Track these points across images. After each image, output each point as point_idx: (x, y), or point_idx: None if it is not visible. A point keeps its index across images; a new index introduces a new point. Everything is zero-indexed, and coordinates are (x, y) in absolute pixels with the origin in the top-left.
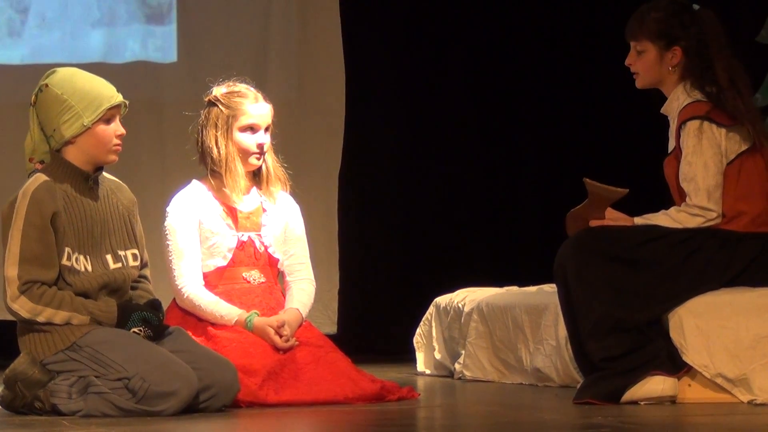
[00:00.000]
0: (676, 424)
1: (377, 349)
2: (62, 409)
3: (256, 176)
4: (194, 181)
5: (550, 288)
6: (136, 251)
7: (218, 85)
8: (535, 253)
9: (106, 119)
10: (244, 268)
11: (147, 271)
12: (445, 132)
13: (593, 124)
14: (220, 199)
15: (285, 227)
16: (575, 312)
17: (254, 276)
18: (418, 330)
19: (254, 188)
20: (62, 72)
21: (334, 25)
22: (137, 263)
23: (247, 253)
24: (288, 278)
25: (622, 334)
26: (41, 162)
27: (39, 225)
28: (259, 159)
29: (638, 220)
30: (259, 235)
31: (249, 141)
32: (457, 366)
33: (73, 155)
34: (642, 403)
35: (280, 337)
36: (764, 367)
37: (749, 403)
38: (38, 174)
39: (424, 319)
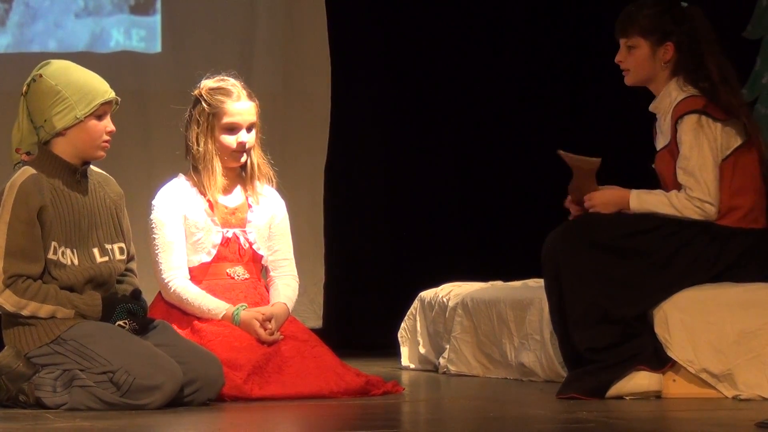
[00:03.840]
0: (660, 419)
1: (362, 343)
2: (47, 402)
3: (243, 171)
4: (180, 176)
5: (535, 283)
6: (122, 245)
7: (207, 78)
8: (519, 248)
9: (98, 115)
10: (228, 264)
11: (133, 265)
12: (431, 126)
13: (578, 120)
14: (205, 195)
15: (270, 222)
16: (563, 300)
17: (238, 272)
18: (403, 324)
19: (239, 185)
20: (57, 64)
21: (320, 16)
22: (124, 257)
23: (231, 250)
24: (272, 273)
25: (608, 326)
26: (28, 153)
27: (25, 219)
28: (241, 157)
29: (634, 194)
30: (244, 231)
31: (230, 140)
32: (441, 360)
33: (62, 148)
34: (627, 398)
35: (265, 330)
36: (749, 363)
37: (734, 398)
38: (25, 167)
39: (408, 313)
